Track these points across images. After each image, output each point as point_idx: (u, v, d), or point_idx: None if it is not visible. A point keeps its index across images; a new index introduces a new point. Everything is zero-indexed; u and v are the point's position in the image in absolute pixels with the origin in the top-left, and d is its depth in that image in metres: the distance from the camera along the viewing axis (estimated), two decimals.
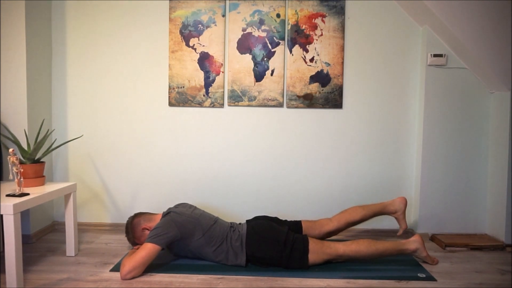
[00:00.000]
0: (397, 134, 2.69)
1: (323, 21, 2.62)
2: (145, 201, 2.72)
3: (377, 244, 2.06)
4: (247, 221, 2.22)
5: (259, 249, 2.02)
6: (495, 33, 2.36)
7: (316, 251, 2.01)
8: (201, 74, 2.65)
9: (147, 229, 2.13)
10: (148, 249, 1.91)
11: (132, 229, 2.15)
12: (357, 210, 2.31)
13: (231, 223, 2.19)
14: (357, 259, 2.07)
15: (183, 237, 2.02)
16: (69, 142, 2.67)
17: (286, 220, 2.31)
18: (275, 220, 2.26)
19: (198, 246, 2.05)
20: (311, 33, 2.63)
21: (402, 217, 2.34)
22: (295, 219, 2.60)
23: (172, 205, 2.48)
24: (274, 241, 2.02)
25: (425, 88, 2.58)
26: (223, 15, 2.63)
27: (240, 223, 2.23)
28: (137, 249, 2.06)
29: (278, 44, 2.63)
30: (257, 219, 2.24)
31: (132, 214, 2.43)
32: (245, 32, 2.64)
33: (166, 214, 2.11)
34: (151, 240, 1.92)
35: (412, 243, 2.09)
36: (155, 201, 2.73)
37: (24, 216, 2.40)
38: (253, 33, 2.64)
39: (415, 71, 2.66)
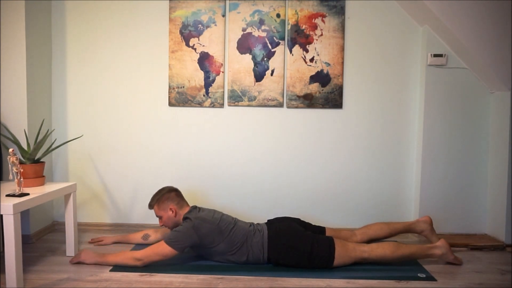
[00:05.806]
0: (397, 134, 2.69)
1: (323, 21, 2.62)
2: (145, 201, 2.70)
3: (402, 248, 2.03)
4: (269, 222, 2.18)
5: (282, 257, 2.02)
6: (495, 33, 2.36)
7: (342, 255, 1.99)
8: (201, 74, 2.65)
9: (172, 211, 2.11)
10: (166, 250, 1.94)
11: (162, 198, 2.13)
12: (382, 228, 2.29)
13: (250, 224, 2.14)
14: (382, 263, 2.05)
15: (202, 245, 2.02)
16: (69, 142, 2.66)
17: (310, 224, 2.27)
18: (297, 221, 2.22)
19: (216, 251, 2.04)
20: (311, 33, 2.63)
21: (430, 233, 2.29)
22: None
23: None
24: (298, 250, 1.99)
25: (425, 88, 2.57)
26: (223, 15, 2.63)
27: (258, 224, 2.18)
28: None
29: (278, 44, 2.63)
30: (279, 221, 2.20)
31: (170, 186, 2.24)
32: (245, 32, 2.64)
33: (186, 218, 2.05)
34: (171, 244, 1.94)
35: (438, 249, 2.06)
36: None
37: (24, 216, 2.39)
38: (253, 33, 2.63)
39: (415, 71, 2.66)
